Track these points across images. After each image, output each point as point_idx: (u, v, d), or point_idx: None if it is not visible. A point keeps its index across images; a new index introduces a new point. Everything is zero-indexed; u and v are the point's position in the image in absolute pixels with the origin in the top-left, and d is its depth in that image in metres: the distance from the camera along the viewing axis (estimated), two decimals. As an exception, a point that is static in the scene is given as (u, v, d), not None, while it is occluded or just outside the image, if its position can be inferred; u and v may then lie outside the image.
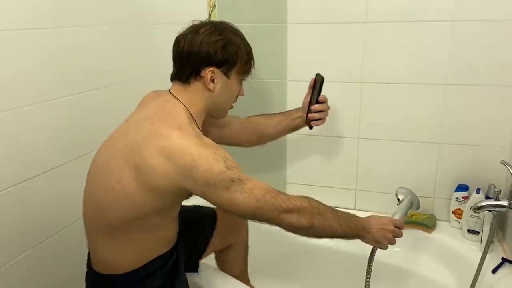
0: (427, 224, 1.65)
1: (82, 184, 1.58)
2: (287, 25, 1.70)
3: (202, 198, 0.99)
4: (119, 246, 1.07)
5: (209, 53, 1.07)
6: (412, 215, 1.69)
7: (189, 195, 1.07)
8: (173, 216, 1.14)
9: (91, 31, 1.59)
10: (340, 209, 1.14)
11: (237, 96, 1.20)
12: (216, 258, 1.57)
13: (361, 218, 1.15)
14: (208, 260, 1.50)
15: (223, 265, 1.54)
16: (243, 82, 1.20)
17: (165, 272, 1.15)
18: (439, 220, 1.71)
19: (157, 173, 0.96)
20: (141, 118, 1.08)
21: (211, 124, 1.35)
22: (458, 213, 1.64)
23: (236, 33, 1.13)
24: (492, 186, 1.42)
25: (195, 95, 1.10)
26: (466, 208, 1.58)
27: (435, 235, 1.65)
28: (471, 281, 1.37)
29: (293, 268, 1.87)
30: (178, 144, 0.96)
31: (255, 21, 1.74)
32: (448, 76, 1.57)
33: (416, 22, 1.55)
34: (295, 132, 1.57)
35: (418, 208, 1.33)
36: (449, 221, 1.69)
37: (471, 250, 1.53)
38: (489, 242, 1.35)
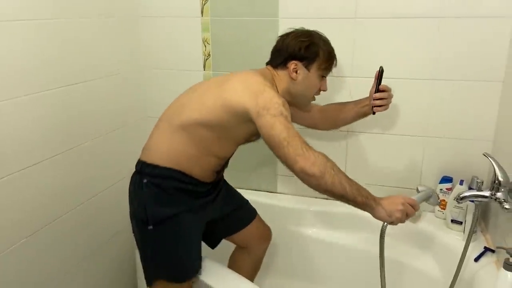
0: (413, 214, 1.70)
1: (74, 174, 1.61)
2: (279, 19, 1.73)
3: (255, 120, 1.17)
4: (170, 140, 1.30)
5: (294, 50, 1.33)
6: (399, 206, 1.74)
7: (247, 136, 1.33)
8: (222, 151, 1.36)
9: (85, 22, 1.60)
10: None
11: (319, 90, 1.41)
12: (231, 257, 1.68)
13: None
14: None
15: (233, 264, 1.64)
16: (326, 78, 1.41)
17: (181, 191, 1.31)
18: (424, 210, 1.76)
19: (235, 93, 1.22)
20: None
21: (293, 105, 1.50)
22: (442, 204, 1.69)
23: (321, 37, 1.37)
24: (475, 178, 1.47)
25: (280, 78, 1.37)
26: (450, 199, 1.63)
27: (420, 225, 1.70)
28: (455, 270, 1.42)
29: (298, 264, 1.93)
30: (257, 80, 1.24)
31: (248, 15, 1.76)
32: (435, 71, 1.61)
33: (405, 18, 1.60)
34: None
35: (436, 204, 1.37)
36: (434, 212, 1.74)
37: (455, 239, 1.59)
38: (472, 232, 1.40)
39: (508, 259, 1.07)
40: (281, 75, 1.37)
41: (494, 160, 1.29)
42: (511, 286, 1.06)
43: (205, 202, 1.39)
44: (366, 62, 1.68)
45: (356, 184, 1.15)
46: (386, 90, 1.47)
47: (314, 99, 1.45)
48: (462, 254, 1.40)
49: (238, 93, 1.21)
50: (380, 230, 1.31)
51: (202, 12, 1.82)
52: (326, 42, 1.38)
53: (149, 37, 1.92)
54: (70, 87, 1.56)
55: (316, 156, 1.11)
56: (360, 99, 1.56)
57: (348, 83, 1.73)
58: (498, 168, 1.27)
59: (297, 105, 1.48)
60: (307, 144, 1.14)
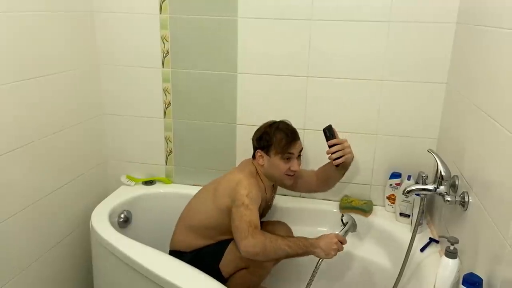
0: (365, 208, 1.79)
1: (31, 171, 1.57)
2: (238, 19, 1.76)
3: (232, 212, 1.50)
4: (186, 234, 1.65)
5: (254, 142, 1.63)
6: (352, 201, 1.83)
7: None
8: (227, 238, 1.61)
9: (38, 16, 1.55)
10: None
11: (289, 169, 1.57)
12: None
13: (311, 238, 1.45)
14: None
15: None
16: (296, 159, 1.58)
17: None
18: (376, 205, 1.86)
19: (221, 196, 1.56)
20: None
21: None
22: (392, 198, 1.79)
23: (277, 126, 1.58)
24: (421, 173, 1.56)
25: (257, 166, 1.63)
26: (399, 193, 1.73)
27: (372, 218, 1.79)
28: (403, 259, 1.50)
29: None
30: (235, 178, 1.56)
31: (207, 13, 1.78)
32: (385, 72, 1.70)
33: (357, 21, 1.67)
34: (242, 123, 1.82)
35: (355, 231, 1.62)
36: (384, 206, 1.84)
37: (403, 231, 1.68)
38: (417, 224, 1.50)
39: (449, 247, 1.15)
40: (257, 163, 1.62)
41: (437, 156, 1.39)
42: (451, 272, 1.15)
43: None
44: (321, 62, 1.75)
45: (293, 240, 1.44)
46: (337, 143, 1.53)
47: (290, 179, 1.60)
48: (409, 245, 1.49)
49: (222, 195, 1.56)
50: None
51: (160, 9, 1.81)
52: (280, 129, 1.57)
53: (106, 33, 1.89)
54: (24, 82, 1.51)
55: (256, 238, 1.40)
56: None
57: (304, 82, 1.79)
58: (441, 164, 1.37)
59: (281, 185, 1.70)
60: (253, 227, 1.42)
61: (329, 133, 1.55)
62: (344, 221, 1.59)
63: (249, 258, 1.43)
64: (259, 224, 1.47)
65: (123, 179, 2.02)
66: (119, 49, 1.91)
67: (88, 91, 1.90)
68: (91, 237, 1.71)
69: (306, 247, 1.42)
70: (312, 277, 1.51)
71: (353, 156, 1.56)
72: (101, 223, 1.68)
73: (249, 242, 1.40)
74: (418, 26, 1.63)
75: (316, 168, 1.77)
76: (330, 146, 1.54)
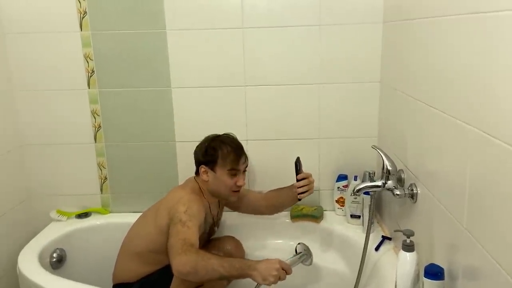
0: (316, 215, 1.76)
1: None
2: (166, 31, 1.68)
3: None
4: (130, 263, 1.55)
5: (198, 157, 1.55)
6: (302, 208, 1.79)
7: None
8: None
9: None
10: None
11: (235, 185, 1.52)
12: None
13: (250, 260, 1.35)
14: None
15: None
16: (242, 173, 1.53)
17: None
18: (326, 210, 1.83)
19: (163, 215, 1.47)
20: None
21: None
22: (341, 201, 1.78)
23: (221, 140, 1.53)
24: (367, 172, 1.57)
25: (201, 182, 1.56)
26: (347, 195, 1.72)
27: (323, 225, 1.76)
28: (359, 261, 1.48)
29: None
30: (176, 196, 1.50)
31: (132, 28, 1.68)
32: (320, 76, 1.71)
33: (289, 27, 1.67)
34: (182, 140, 1.75)
35: (309, 264, 1.51)
36: (334, 210, 1.82)
37: (356, 233, 1.67)
38: (370, 223, 1.48)
39: (406, 240, 1.13)
40: (200, 180, 1.55)
41: (382, 151, 1.39)
42: (411, 266, 1.13)
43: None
44: (257, 70, 1.72)
45: (228, 260, 1.32)
46: (305, 177, 1.56)
47: (235, 195, 1.55)
48: (364, 246, 1.47)
49: (162, 215, 1.48)
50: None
51: (81, 26, 1.69)
52: (226, 143, 1.52)
53: (19, 56, 1.73)
54: None
55: (188, 255, 1.30)
56: (293, 184, 1.61)
57: (242, 92, 1.74)
58: (386, 158, 1.37)
59: (226, 202, 1.65)
60: (188, 245, 1.32)
61: (299, 165, 1.57)
62: (297, 251, 1.51)
63: (181, 278, 1.33)
64: (197, 242, 1.37)
65: (53, 214, 1.82)
66: (36, 72, 1.74)
67: (2, 121, 1.70)
68: (19, 283, 1.51)
69: (242, 269, 1.30)
70: None
71: (313, 191, 1.59)
72: (29, 266, 1.50)
73: (181, 260, 1.30)
74: (347, 28, 1.65)
75: (263, 184, 1.74)
76: (298, 180, 1.56)
